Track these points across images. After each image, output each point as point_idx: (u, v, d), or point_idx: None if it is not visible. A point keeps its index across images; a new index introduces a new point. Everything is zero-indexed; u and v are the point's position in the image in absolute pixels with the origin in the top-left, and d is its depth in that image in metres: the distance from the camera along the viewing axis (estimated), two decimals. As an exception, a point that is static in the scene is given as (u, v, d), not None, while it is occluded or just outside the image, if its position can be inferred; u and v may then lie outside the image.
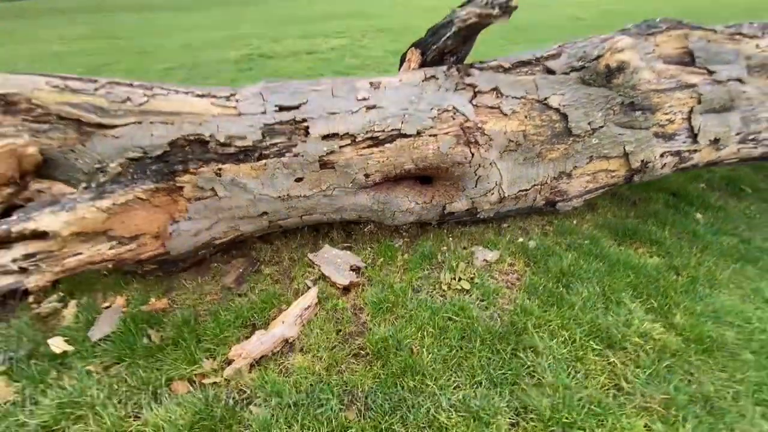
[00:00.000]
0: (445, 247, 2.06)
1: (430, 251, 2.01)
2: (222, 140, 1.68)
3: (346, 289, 1.81)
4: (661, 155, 2.00)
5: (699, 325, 1.61)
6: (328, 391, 1.35)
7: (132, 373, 1.43)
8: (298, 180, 1.79)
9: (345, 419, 1.27)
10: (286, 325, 1.58)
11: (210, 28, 10.43)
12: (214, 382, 1.41)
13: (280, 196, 1.79)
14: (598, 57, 1.87)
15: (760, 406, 1.35)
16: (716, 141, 2.00)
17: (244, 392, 1.38)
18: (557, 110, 1.89)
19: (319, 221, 2.01)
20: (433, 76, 1.92)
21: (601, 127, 1.91)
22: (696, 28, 2.10)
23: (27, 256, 1.53)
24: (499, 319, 1.64)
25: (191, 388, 1.40)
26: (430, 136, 1.79)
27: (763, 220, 2.40)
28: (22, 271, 1.55)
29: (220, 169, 1.69)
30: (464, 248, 2.06)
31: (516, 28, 9.11)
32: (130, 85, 1.74)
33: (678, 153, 2.02)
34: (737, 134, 2.04)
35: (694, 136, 1.97)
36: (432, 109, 1.81)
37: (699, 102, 1.94)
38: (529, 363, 1.45)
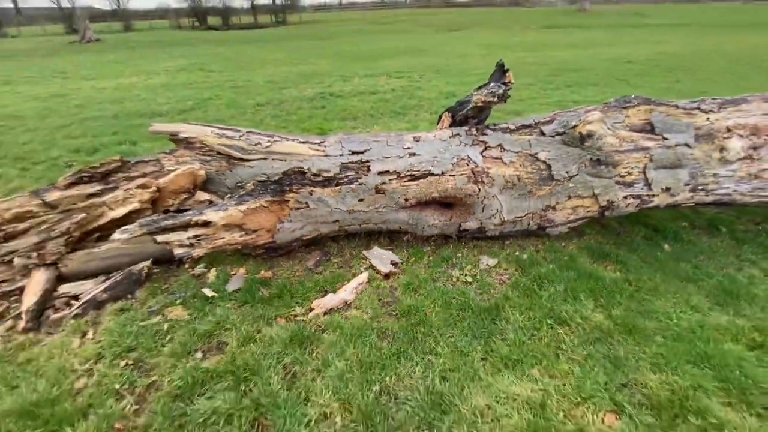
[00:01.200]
0: (459, 254, 2.87)
1: (448, 256, 2.83)
2: (314, 172, 2.61)
3: (387, 276, 2.66)
4: (624, 197, 2.71)
5: (630, 316, 2.30)
6: (371, 330, 2.20)
7: (254, 311, 2.36)
8: (360, 200, 2.68)
9: (379, 345, 2.11)
10: (347, 292, 2.46)
11: (288, 63, 11.97)
12: (302, 320, 2.30)
13: (348, 210, 2.70)
14: (575, 126, 2.64)
15: (652, 365, 2.02)
16: (668, 189, 2.69)
17: (320, 326, 2.26)
18: (544, 162, 2.68)
19: (372, 229, 2.89)
20: (457, 134, 2.78)
21: (576, 175, 2.67)
22: (660, 104, 2.81)
23: (195, 236, 2.51)
24: (487, 301, 2.42)
25: (288, 321, 2.30)
26: (450, 176, 2.64)
27: (724, 254, 2.98)
28: (191, 245, 2.55)
29: (312, 191, 2.62)
30: (474, 256, 2.86)
31: (566, 70, 9.78)
32: (260, 133, 2.74)
33: (639, 196, 2.73)
34: (686, 185, 2.71)
35: (648, 185, 2.68)
36: (453, 158, 2.66)
37: (651, 160, 2.65)
38: (501, 327, 2.22)
